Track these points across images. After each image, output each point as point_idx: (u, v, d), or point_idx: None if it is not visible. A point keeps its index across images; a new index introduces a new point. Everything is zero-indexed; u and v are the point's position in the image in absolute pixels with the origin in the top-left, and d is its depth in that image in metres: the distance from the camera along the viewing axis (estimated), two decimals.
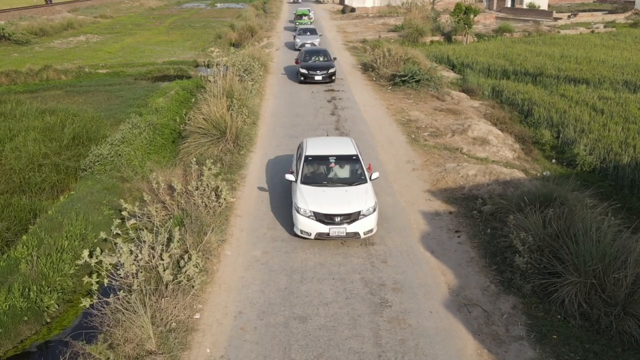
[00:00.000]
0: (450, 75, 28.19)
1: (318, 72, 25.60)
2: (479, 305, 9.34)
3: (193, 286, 9.51)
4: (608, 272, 8.71)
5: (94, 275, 8.84)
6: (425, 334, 8.64)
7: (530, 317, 8.97)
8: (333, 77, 25.92)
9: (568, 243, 9.43)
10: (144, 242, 9.64)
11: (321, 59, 27.14)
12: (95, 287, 8.85)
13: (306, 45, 33.82)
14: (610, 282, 8.63)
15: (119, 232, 9.91)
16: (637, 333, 8.20)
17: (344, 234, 10.95)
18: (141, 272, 9.32)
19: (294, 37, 36.64)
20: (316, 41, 35.30)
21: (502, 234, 11.05)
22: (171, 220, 11.48)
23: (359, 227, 10.97)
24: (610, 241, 9.23)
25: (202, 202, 12.23)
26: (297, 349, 8.33)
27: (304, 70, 25.76)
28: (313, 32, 37.59)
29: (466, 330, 8.75)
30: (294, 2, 79.40)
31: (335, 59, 27.78)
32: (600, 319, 8.55)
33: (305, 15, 48.50)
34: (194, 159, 13.90)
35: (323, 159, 12.28)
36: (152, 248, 9.77)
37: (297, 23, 46.37)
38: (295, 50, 34.07)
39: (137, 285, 8.99)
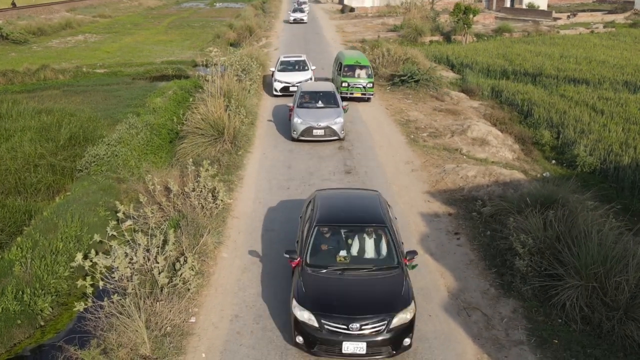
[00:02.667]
0: (450, 75, 28.08)
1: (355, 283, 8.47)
2: (478, 309, 9.21)
3: (189, 289, 9.38)
4: (610, 276, 8.59)
5: (89, 278, 8.71)
6: (424, 338, 8.51)
7: (531, 321, 8.85)
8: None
9: (569, 245, 9.31)
10: (139, 244, 9.50)
11: (364, 207, 9.89)
12: (89, 290, 8.74)
13: (315, 131, 16.89)
14: (612, 286, 8.51)
15: (115, 234, 9.78)
16: (639, 337, 8.07)
17: None
18: (136, 275, 9.20)
19: (290, 111, 18.03)
20: (336, 124, 17.07)
21: (502, 236, 10.92)
22: (167, 222, 11.36)
23: None
24: (612, 244, 9.11)
25: (198, 203, 12.10)
26: (294, 353, 8.20)
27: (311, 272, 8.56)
28: (330, 99, 18.27)
29: (466, 334, 8.63)
30: (294, 21, 51.67)
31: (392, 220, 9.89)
32: (602, 323, 8.43)
33: (361, 66, 22.19)
34: (191, 159, 13.76)
35: None
36: (148, 251, 9.63)
37: (341, 80, 21.75)
38: (296, 140, 17.30)
39: (132, 289, 8.86)
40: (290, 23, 51.29)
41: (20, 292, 9.85)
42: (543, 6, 62.02)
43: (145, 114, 20.19)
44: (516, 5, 62.52)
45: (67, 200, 13.60)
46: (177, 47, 39.80)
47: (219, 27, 48.12)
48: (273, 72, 23.94)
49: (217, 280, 10.13)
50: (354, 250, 8.89)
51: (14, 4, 63.52)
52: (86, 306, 8.32)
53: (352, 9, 62.07)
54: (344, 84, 21.63)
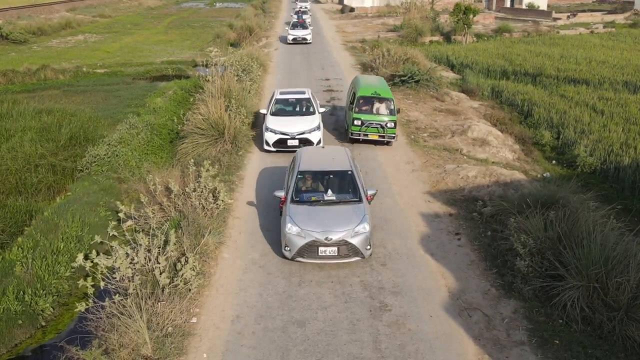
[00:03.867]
0: (450, 75, 28.10)
1: None
2: (479, 309, 9.22)
3: (190, 290, 9.39)
4: (611, 276, 8.59)
5: (90, 279, 8.72)
6: (425, 338, 8.52)
7: (532, 321, 8.86)
8: None
9: (570, 246, 9.32)
10: (140, 245, 9.51)
11: None
12: (90, 290, 8.75)
13: (323, 249, 10.20)
14: (613, 286, 8.51)
15: (116, 234, 9.79)
16: None
17: None
18: (137, 275, 9.20)
19: (281, 203, 11.29)
20: (358, 236, 10.25)
21: (502, 236, 10.94)
22: (168, 222, 11.36)
23: None
24: (613, 244, 9.11)
25: (199, 203, 12.10)
26: (295, 354, 8.21)
27: None
28: (347, 184, 11.37)
29: (467, 334, 8.63)
30: (294, 41, 38.08)
31: None
32: (603, 323, 8.43)
33: (380, 99, 16.76)
34: (192, 159, 13.77)
35: None
36: (149, 251, 9.64)
37: (353, 117, 16.52)
38: (291, 260, 10.59)
39: (133, 289, 8.85)
40: (289, 44, 37.90)
41: (22, 292, 9.85)
42: (543, 6, 62.06)
43: (145, 114, 20.19)
44: (516, 6, 62.56)
45: (67, 200, 13.60)
46: (177, 47, 39.81)
47: (219, 27, 48.13)
48: (265, 115, 16.92)
49: (218, 280, 10.14)
50: None
51: None
52: (87, 306, 8.33)
53: (352, 9, 62.11)
54: (356, 122, 16.35)
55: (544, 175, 15.38)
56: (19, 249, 11.09)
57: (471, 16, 38.59)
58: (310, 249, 10.21)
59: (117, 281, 9.02)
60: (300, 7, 55.73)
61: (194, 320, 8.98)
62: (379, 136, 16.50)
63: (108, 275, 9.00)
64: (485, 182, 13.78)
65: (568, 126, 18.79)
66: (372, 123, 16.36)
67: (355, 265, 10.52)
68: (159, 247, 9.64)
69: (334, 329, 8.73)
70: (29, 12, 58.45)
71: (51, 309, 9.93)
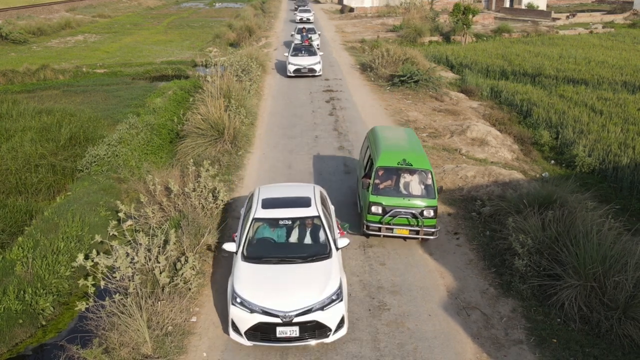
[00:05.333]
0: (449, 75, 28.14)
1: None
2: (478, 309, 9.27)
3: (190, 289, 9.43)
4: (608, 275, 8.64)
5: (90, 278, 8.76)
6: (423, 337, 8.57)
7: (530, 320, 8.91)
8: None
9: (568, 245, 9.37)
10: (140, 244, 9.55)
11: None
12: (91, 289, 8.79)
13: None
14: (610, 286, 8.56)
15: (115, 233, 9.82)
16: (638, 337, 8.14)
17: None
18: (137, 274, 9.23)
19: None
20: None
21: (501, 236, 10.98)
22: (168, 222, 11.40)
23: None
24: (611, 244, 9.17)
25: (199, 203, 12.14)
26: (295, 352, 8.25)
27: None
28: None
29: (465, 333, 8.68)
30: (296, 73, 26.73)
31: None
32: (601, 322, 8.48)
33: (412, 170, 10.95)
34: (192, 159, 13.81)
35: None
36: (149, 250, 9.67)
37: (370, 201, 10.69)
38: None
39: (133, 288, 8.90)
40: (290, 76, 27.19)
41: (22, 292, 9.89)
42: (542, 6, 62.13)
43: (145, 114, 20.22)
44: (515, 6, 62.61)
45: (67, 200, 13.64)
46: (177, 47, 39.82)
47: (218, 27, 48.14)
48: (236, 253, 8.91)
49: (218, 279, 10.18)
50: None
51: None
52: (88, 306, 8.38)
53: (351, 9, 62.15)
54: (374, 209, 10.76)
55: (543, 175, 15.43)
56: (20, 248, 11.12)
57: (470, 16, 38.62)
58: None
59: (117, 280, 9.05)
60: (302, 19, 45.24)
61: (193, 319, 9.02)
62: (410, 231, 10.78)
63: (108, 274, 9.04)
64: (484, 181, 13.82)
65: (567, 126, 18.83)
66: (400, 211, 10.65)
67: (354, 264, 10.56)
68: (159, 247, 9.69)
69: None
70: (28, 12, 58.48)
71: (51, 308, 9.96)
